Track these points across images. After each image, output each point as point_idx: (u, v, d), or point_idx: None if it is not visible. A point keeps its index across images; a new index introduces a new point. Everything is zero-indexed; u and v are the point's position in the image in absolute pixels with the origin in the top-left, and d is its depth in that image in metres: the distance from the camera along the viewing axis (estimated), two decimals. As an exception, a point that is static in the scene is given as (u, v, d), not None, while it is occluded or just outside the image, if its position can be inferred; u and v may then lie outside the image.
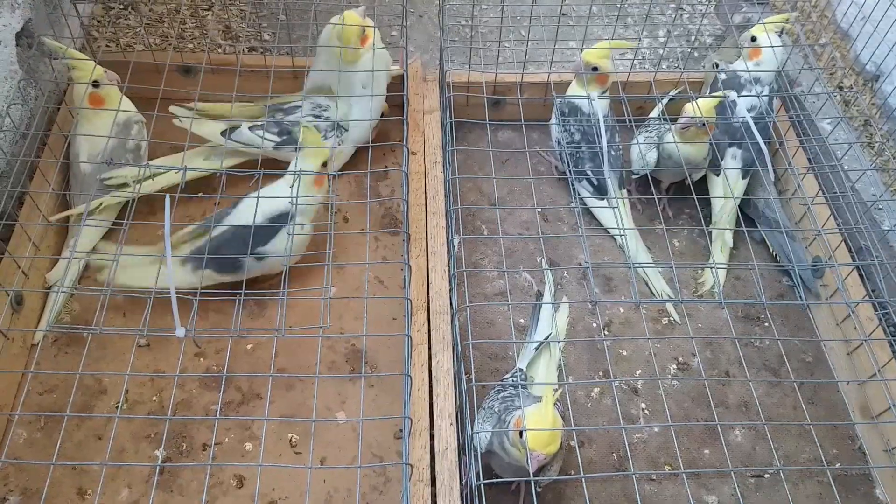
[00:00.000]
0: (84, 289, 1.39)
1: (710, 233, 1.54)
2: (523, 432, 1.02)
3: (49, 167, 1.43)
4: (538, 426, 1.02)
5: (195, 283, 1.29)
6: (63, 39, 1.55)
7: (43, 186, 1.41)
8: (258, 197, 1.29)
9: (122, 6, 1.92)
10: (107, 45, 1.80)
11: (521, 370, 1.24)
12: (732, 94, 1.52)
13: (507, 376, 1.25)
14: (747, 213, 1.58)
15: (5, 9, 1.42)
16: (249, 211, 1.30)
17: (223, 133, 1.50)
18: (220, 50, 1.85)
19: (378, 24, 1.61)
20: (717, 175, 1.56)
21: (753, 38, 1.57)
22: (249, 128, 1.51)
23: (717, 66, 1.65)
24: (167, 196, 1.18)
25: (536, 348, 1.27)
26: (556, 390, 1.13)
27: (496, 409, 1.15)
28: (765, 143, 1.48)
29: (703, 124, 1.43)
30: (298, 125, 1.48)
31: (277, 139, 1.52)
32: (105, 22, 1.87)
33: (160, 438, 1.23)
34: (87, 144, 1.43)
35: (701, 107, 1.42)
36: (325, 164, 1.37)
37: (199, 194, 1.55)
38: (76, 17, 1.62)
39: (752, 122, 1.47)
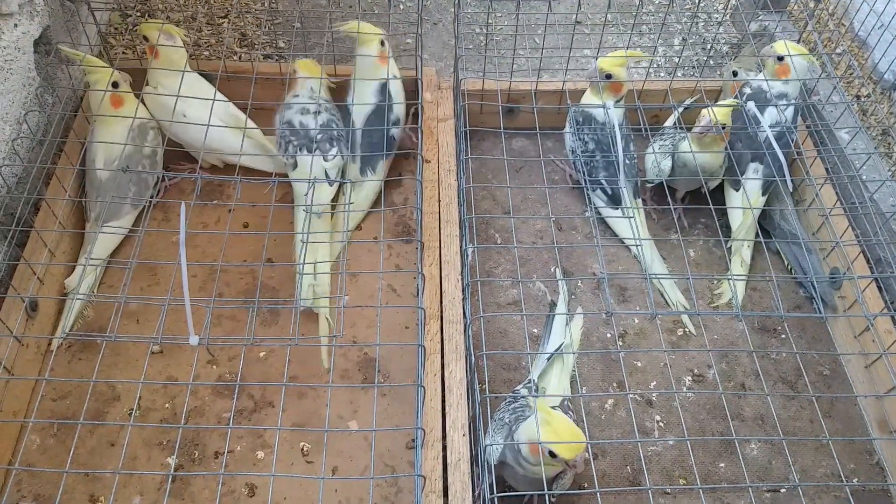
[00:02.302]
0: (100, 296, 1.39)
1: (728, 248, 1.52)
2: (554, 452, 1.01)
3: (65, 173, 1.44)
4: (558, 436, 1.01)
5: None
6: (80, 47, 1.56)
7: (59, 193, 1.41)
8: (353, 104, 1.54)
9: (139, 14, 1.93)
10: (123, 53, 1.81)
11: (532, 381, 1.23)
12: (751, 104, 1.51)
13: (518, 387, 1.24)
14: (763, 224, 1.56)
15: (24, 17, 1.43)
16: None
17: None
18: (235, 57, 1.86)
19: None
20: (737, 190, 1.54)
21: (780, 58, 1.54)
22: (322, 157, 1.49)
23: (737, 74, 1.63)
24: (182, 203, 1.19)
25: (548, 359, 1.26)
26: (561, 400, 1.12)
27: (507, 421, 1.14)
28: (786, 157, 1.46)
29: (724, 127, 1.42)
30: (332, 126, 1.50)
31: (335, 149, 1.51)
32: (122, 29, 1.89)
33: (172, 446, 1.23)
34: (102, 150, 1.43)
35: (716, 113, 1.41)
36: (382, 44, 1.53)
37: (214, 201, 1.55)
38: (93, 25, 1.63)
39: (773, 139, 1.45)
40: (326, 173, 1.48)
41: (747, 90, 1.57)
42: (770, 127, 1.49)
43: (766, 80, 1.54)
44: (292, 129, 1.49)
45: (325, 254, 1.43)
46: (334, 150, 1.49)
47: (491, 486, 1.04)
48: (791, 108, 1.53)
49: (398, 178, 1.61)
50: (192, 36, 1.87)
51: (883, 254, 1.40)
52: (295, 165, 1.49)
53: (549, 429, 1.02)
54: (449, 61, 1.93)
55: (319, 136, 1.48)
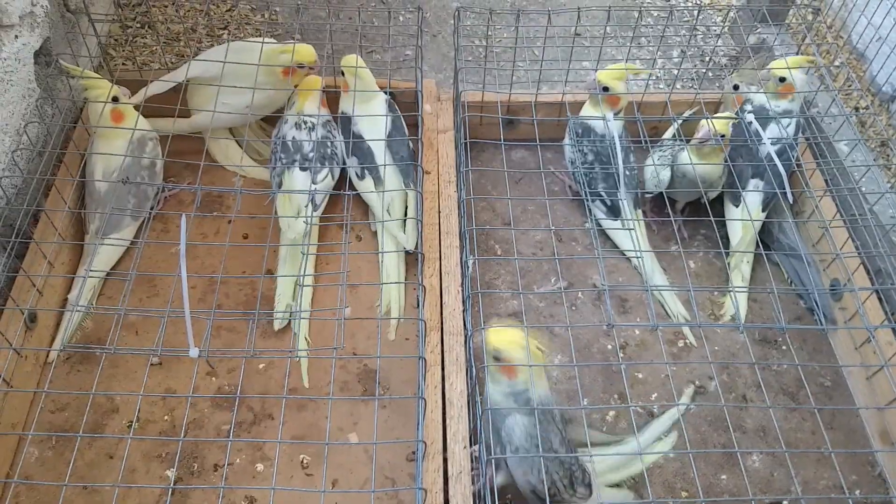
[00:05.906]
0: (99, 308, 1.39)
1: (728, 262, 1.52)
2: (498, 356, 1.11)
3: (65, 185, 1.44)
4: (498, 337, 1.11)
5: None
6: (81, 58, 1.56)
7: (58, 204, 1.41)
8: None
9: (139, 25, 1.94)
10: (123, 64, 1.81)
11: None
12: (751, 117, 1.51)
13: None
14: (762, 237, 1.56)
15: (25, 28, 1.43)
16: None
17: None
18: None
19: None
20: (737, 206, 1.54)
21: (783, 79, 1.53)
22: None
23: (738, 88, 1.63)
24: (182, 215, 1.18)
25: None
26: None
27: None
28: (787, 174, 1.46)
29: (723, 136, 1.42)
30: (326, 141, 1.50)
31: (326, 170, 1.50)
32: (122, 41, 1.89)
33: (172, 458, 1.23)
34: (102, 162, 1.43)
35: (715, 125, 1.41)
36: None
37: (214, 213, 1.55)
38: (94, 36, 1.63)
39: (775, 156, 1.45)
40: (314, 199, 1.43)
41: (749, 106, 1.57)
42: (772, 143, 1.49)
43: (768, 99, 1.54)
44: (284, 144, 1.48)
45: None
46: (325, 171, 1.48)
47: (493, 495, 1.04)
48: (793, 124, 1.54)
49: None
50: (192, 47, 1.87)
51: (883, 265, 1.40)
52: (280, 185, 1.44)
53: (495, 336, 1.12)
54: (449, 73, 1.93)
55: (311, 155, 1.47)
